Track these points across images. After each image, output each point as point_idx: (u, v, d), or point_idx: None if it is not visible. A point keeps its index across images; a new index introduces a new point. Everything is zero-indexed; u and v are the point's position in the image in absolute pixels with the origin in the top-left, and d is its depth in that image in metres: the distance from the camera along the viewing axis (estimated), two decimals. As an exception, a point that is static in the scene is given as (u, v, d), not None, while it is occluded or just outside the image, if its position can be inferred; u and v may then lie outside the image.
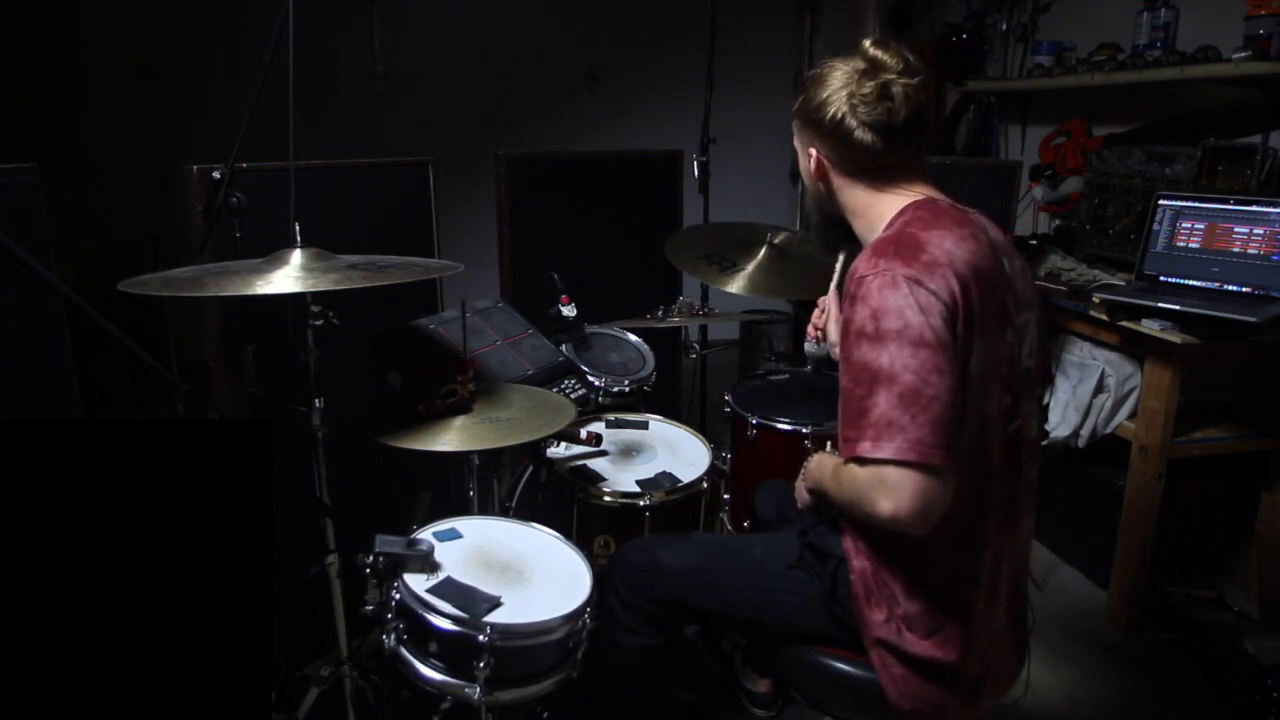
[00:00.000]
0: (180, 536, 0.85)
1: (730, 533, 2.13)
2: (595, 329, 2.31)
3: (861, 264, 1.16)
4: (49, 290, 1.51)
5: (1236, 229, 2.23)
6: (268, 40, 1.43)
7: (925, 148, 1.30)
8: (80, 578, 0.82)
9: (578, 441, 1.91)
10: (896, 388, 1.07)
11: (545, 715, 1.65)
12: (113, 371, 2.64)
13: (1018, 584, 1.30)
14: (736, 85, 3.91)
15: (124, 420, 0.87)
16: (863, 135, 1.22)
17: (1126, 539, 2.35)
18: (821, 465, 1.32)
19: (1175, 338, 2.10)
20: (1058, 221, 3.34)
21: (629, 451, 2.02)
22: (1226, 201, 2.27)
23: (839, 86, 1.23)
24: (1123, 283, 2.47)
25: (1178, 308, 2.11)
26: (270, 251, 1.47)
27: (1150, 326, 2.16)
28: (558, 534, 1.63)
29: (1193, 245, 2.31)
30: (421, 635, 1.37)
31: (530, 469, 1.93)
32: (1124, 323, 2.23)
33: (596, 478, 1.87)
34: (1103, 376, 2.43)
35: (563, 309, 2.17)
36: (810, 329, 1.71)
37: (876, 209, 1.27)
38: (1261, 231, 2.19)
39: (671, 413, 2.35)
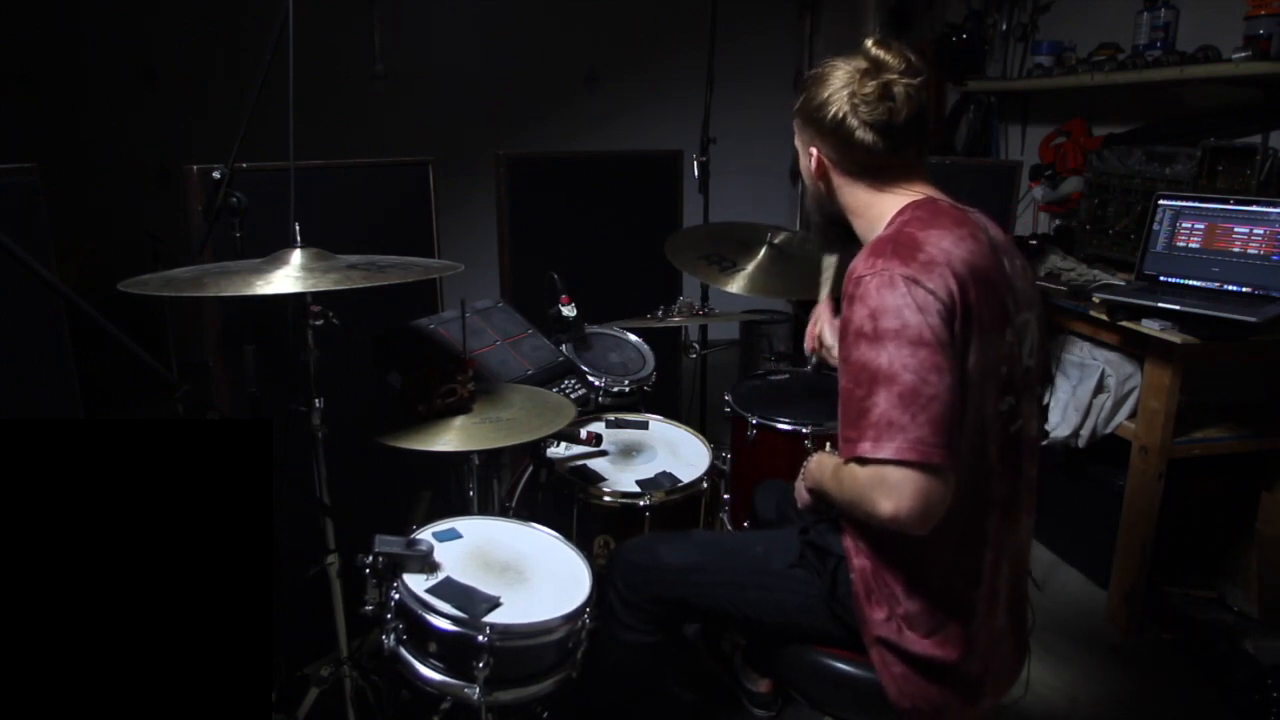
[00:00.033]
0: (180, 537, 0.85)
1: (730, 532, 2.13)
2: (595, 329, 2.31)
3: (859, 264, 1.16)
4: (49, 290, 1.51)
5: (1236, 229, 2.23)
6: (268, 40, 1.43)
7: (926, 147, 1.30)
8: (80, 578, 0.82)
9: (578, 441, 1.91)
10: (896, 387, 1.07)
11: (545, 715, 1.65)
12: (113, 371, 2.64)
13: (1018, 584, 1.30)
14: (736, 85, 3.92)
15: (124, 420, 0.87)
16: (864, 135, 1.22)
17: (1126, 539, 2.35)
18: (821, 465, 1.32)
19: (1175, 338, 2.10)
20: (1058, 221, 3.34)
21: (629, 451, 2.02)
22: (1226, 201, 2.27)
23: (840, 86, 1.23)
24: (1123, 283, 2.47)
25: (1178, 308, 2.11)
26: (270, 251, 1.47)
27: (1150, 326, 2.16)
28: (558, 534, 1.63)
29: (1193, 245, 2.31)
30: (421, 635, 1.37)
31: (530, 469, 1.93)
32: (1124, 323, 2.23)
33: (596, 478, 1.87)
34: (1103, 376, 2.43)
35: (563, 309, 2.17)
36: (808, 343, 1.72)
37: (877, 208, 1.27)
38: (1261, 231, 2.19)
39: (671, 413, 2.35)
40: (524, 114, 4.59)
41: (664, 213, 2.87)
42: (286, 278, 1.37)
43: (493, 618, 1.35)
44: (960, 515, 1.14)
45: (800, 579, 1.36)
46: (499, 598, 1.40)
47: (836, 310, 1.53)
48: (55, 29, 4.16)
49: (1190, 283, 2.29)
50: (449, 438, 1.57)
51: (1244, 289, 2.19)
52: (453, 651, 1.35)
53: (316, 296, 1.51)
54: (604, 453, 1.99)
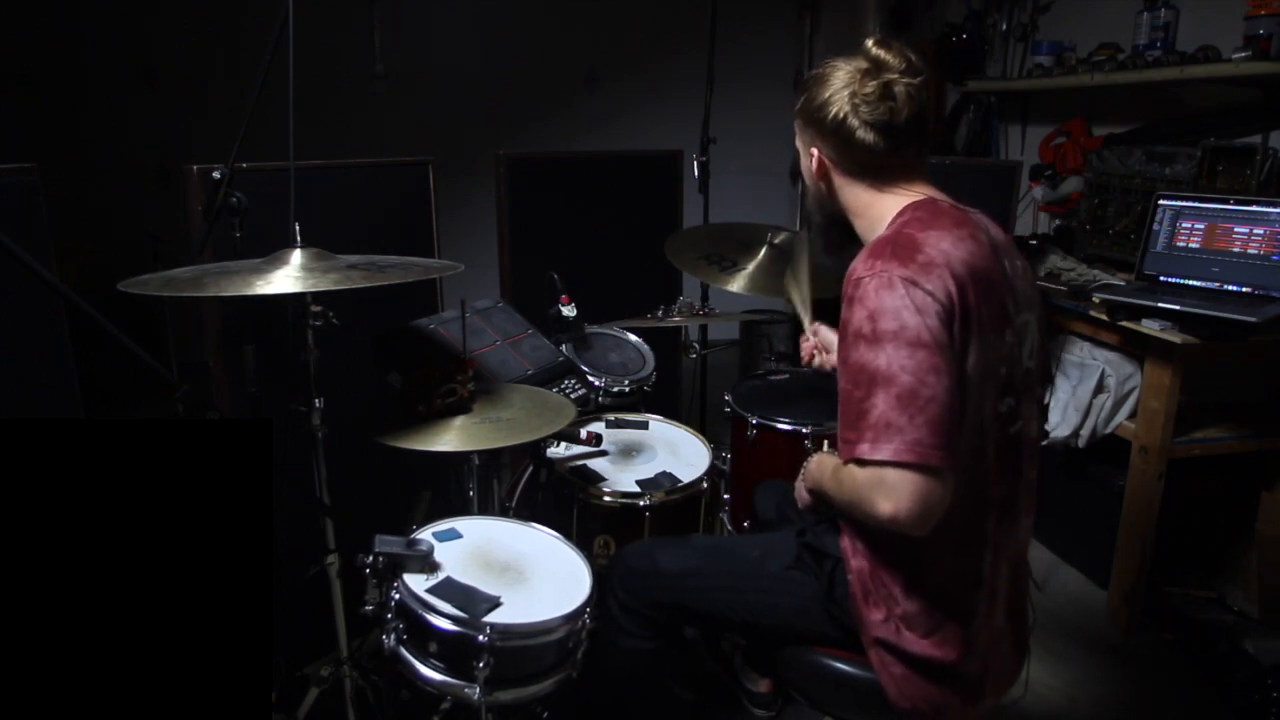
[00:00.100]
0: (180, 537, 0.85)
1: (730, 533, 2.13)
2: (595, 329, 2.31)
3: (858, 265, 1.16)
4: (49, 290, 1.51)
5: (1236, 229, 2.23)
6: (268, 40, 1.43)
7: (927, 148, 1.30)
8: (80, 578, 0.82)
9: (578, 441, 1.91)
10: (894, 389, 1.07)
11: (545, 715, 1.65)
12: (113, 371, 2.64)
13: (1017, 584, 1.30)
14: (736, 85, 3.92)
15: (124, 420, 0.87)
16: (865, 135, 1.22)
17: (1126, 539, 2.35)
18: (821, 465, 1.32)
19: (1175, 338, 2.10)
20: (1058, 221, 3.34)
21: (629, 451, 2.02)
22: (1226, 201, 2.27)
23: (841, 86, 1.23)
24: (1123, 283, 2.47)
25: (1178, 308, 2.11)
26: (270, 251, 1.48)
27: (1150, 326, 2.16)
28: (558, 534, 1.63)
29: (1193, 245, 2.31)
30: (421, 635, 1.37)
31: (530, 469, 1.93)
32: (1124, 323, 2.23)
33: (596, 478, 1.87)
34: (1103, 376, 2.43)
35: (563, 309, 2.17)
36: (805, 356, 1.71)
37: (878, 209, 1.27)
38: (1261, 231, 2.19)
39: (671, 413, 2.35)
40: (524, 114, 4.59)
41: (664, 213, 2.87)
42: (286, 278, 1.37)
43: (493, 618, 1.35)
44: (959, 516, 1.14)
45: (797, 581, 1.36)
46: (499, 598, 1.40)
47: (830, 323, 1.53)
48: (55, 29, 4.16)
49: (1190, 283, 2.29)
50: (449, 438, 1.57)
51: (1244, 289, 2.19)
52: (453, 651, 1.35)
53: (316, 296, 1.51)
54: (604, 453, 1.99)
